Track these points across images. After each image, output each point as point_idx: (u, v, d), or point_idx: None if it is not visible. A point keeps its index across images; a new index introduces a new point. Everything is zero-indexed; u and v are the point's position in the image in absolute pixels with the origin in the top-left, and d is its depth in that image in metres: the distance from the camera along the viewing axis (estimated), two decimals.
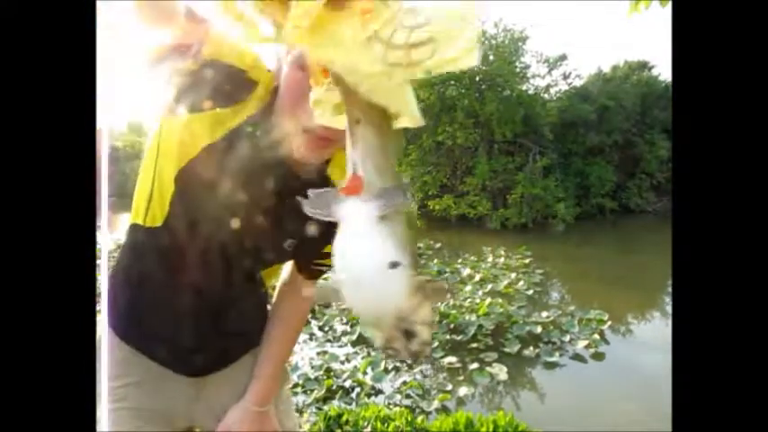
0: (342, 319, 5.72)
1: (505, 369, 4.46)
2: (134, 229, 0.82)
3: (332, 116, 0.49)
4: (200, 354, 0.85)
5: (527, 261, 8.09)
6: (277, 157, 0.73)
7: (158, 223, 0.79)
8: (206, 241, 0.78)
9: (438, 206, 11.65)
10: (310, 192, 0.46)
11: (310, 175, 0.77)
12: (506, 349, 4.87)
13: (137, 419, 0.83)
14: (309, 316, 5.93)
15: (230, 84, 0.69)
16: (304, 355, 4.80)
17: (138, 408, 0.84)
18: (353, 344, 5.17)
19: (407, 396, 4.07)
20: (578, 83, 13.43)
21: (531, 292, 6.68)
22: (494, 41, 12.39)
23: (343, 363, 4.66)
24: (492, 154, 11.98)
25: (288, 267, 0.92)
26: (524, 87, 12.59)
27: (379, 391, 4.22)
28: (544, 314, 5.65)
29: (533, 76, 13.11)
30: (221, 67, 0.67)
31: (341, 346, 5.16)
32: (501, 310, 5.54)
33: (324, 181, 0.79)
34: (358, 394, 4.14)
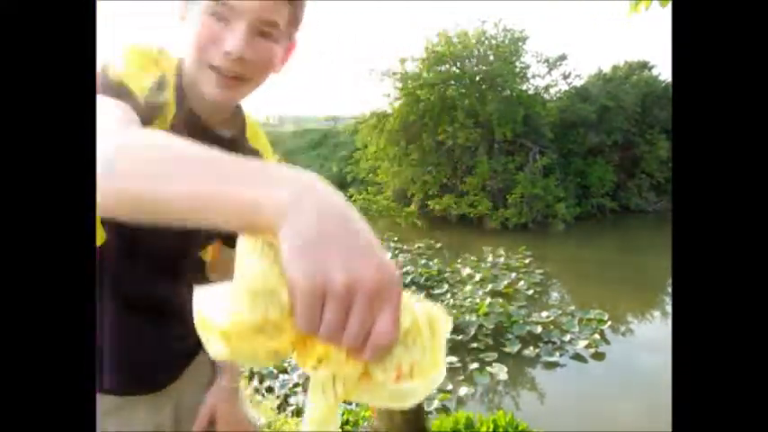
0: None
1: (506, 369, 4.46)
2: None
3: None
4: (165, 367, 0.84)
5: (527, 261, 8.09)
6: (191, 119, 0.74)
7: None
8: (147, 251, 0.76)
9: (438, 206, 11.66)
10: None
11: (226, 133, 0.79)
12: (506, 349, 4.87)
13: None
14: None
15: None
16: None
17: None
18: None
19: None
20: (578, 83, 13.46)
21: (531, 291, 6.68)
22: (494, 41, 12.40)
23: None
24: (492, 154, 11.98)
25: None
26: (524, 87, 12.60)
27: None
28: (544, 314, 5.65)
29: (533, 76, 13.14)
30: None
31: None
32: (501, 309, 5.54)
33: (243, 142, 0.82)
34: None
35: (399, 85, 12.46)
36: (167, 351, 0.83)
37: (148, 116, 0.68)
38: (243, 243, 0.41)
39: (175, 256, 0.80)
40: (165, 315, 0.80)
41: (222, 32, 0.69)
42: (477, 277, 7.05)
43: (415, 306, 0.42)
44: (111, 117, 0.60)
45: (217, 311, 0.39)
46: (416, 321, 0.41)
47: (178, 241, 0.74)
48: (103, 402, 0.75)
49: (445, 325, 0.45)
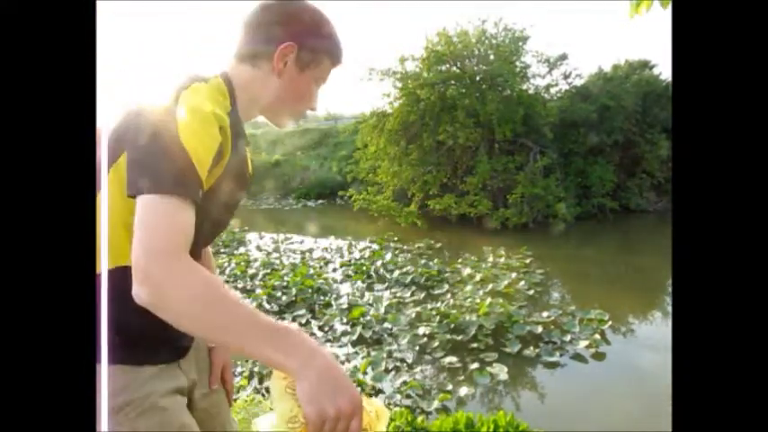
0: (342, 319, 5.72)
1: (506, 369, 4.46)
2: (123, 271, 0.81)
3: None
4: (186, 337, 1.00)
5: (527, 261, 8.09)
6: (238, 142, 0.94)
7: None
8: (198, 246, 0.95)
9: (438, 206, 11.65)
10: None
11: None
12: (507, 349, 4.87)
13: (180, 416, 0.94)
14: (309, 316, 5.94)
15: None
16: None
17: (173, 408, 0.93)
18: (354, 344, 5.17)
19: (408, 396, 4.07)
20: (579, 82, 13.42)
21: (531, 291, 6.67)
22: (494, 41, 12.39)
23: (343, 363, 4.67)
24: (492, 153, 11.97)
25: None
26: (525, 87, 12.57)
27: (379, 391, 4.22)
28: (545, 314, 5.65)
29: (534, 76, 13.10)
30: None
31: (341, 346, 5.16)
32: (501, 309, 5.54)
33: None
34: None
35: (399, 84, 12.44)
36: None
37: (205, 176, 0.81)
38: (274, 387, 0.75)
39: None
40: None
41: (314, 92, 1.03)
42: (478, 277, 7.05)
43: (366, 406, 0.77)
44: (170, 230, 0.73)
45: (268, 427, 0.76)
46: (370, 418, 0.77)
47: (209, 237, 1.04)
48: (148, 371, 0.91)
49: (387, 415, 0.81)
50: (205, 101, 0.83)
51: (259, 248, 9.64)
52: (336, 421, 0.68)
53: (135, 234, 0.71)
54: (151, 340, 0.90)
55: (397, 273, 7.42)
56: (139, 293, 0.70)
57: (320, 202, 16.21)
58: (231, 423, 1.18)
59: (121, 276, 0.79)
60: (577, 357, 4.85)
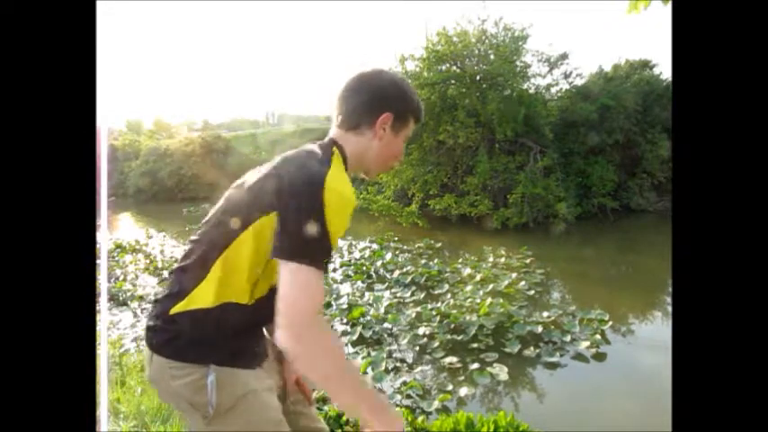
0: (342, 319, 5.72)
1: (506, 369, 4.45)
2: (235, 307, 1.09)
3: None
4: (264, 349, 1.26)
5: (528, 261, 8.08)
6: None
7: (259, 296, 1.11)
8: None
9: (439, 205, 11.65)
10: None
11: None
12: (507, 349, 4.86)
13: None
14: None
15: None
16: None
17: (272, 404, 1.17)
18: (353, 344, 5.17)
19: (408, 396, 4.07)
20: (579, 82, 13.42)
21: (531, 291, 6.67)
22: (494, 41, 12.38)
23: None
24: (493, 153, 11.96)
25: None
26: (525, 86, 12.57)
27: (379, 392, 4.22)
28: (545, 314, 5.64)
29: (534, 76, 13.09)
30: None
31: None
32: (502, 309, 5.53)
33: None
34: None
35: None
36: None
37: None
38: None
39: None
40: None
41: (403, 148, 1.24)
42: (478, 277, 7.04)
43: None
44: (314, 295, 0.97)
45: None
46: None
47: None
48: (247, 374, 1.14)
49: None
50: (345, 183, 1.05)
51: None
52: None
53: (284, 292, 0.95)
54: (248, 353, 1.18)
55: (397, 273, 7.42)
56: (283, 338, 0.95)
57: None
58: (317, 420, 1.39)
59: (233, 309, 1.08)
60: (578, 357, 4.84)
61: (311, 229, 0.95)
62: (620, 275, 8.19)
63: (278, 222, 0.99)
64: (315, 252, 0.96)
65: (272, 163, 1.13)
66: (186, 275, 1.11)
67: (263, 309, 1.08)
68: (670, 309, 6.20)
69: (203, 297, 1.07)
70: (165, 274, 8.01)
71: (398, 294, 6.64)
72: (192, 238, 1.16)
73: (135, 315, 6.28)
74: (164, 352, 1.09)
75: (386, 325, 5.54)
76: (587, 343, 4.97)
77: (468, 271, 7.36)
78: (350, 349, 5.10)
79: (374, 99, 1.16)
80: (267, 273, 1.08)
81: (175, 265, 1.16)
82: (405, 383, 4.23)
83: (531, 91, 12.68)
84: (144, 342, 1.15)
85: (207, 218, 1.17)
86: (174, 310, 1.09)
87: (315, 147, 1.16)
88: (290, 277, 0.95)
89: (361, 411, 1.00)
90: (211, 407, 1.06)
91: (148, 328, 1.13)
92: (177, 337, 1.09)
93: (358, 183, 13.90)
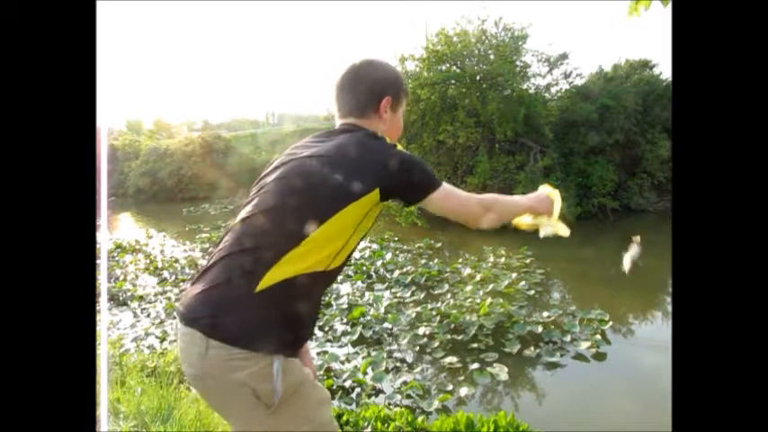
0: (342, 319, 5.72)
1: (506, 369, 4.45)
2: (314, 275, 1.16)
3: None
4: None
5: (528, 261, 8.08)
6: None
7: (336, 265, 1.21)
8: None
9: None
10: None
11: None
12: (507, 349, 4.86)
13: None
14: None
15: None
16: None
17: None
18: (354, 344, 5.17)
19: (408, 396, 4.07)
20: (579, 82, 13.42)
21: (531, 291, 6.67)
22: (494, 40, 12.39)
23: (343, 363, 4.66)
24: (493, 153, 11.97)
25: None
26: (525, 86, 12.57)
27: (379, 392, 4.22)
28: (545, 314, 5.64)
29: (534, 76, 13.10)
30: None
31: (341, 346, 5.16)
32: (502, 309, 5.53)
33: None
34: (358, 394, 4.14)
35: None
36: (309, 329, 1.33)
37: None
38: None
39: None
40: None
41: (402, 121, 1.47)
42: (478, 277, 7.04)
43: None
44: (467, 195, 1.35)
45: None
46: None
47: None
48: (297, 362, 1.19)
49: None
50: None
51: None
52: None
53: (453, 206, 1.31)
54: (299, 341, 1.26)
55: (397, 273, 7.42)
56: (484, 223, 1.33)
57: None
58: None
59: (315, 276, 1.16)
60: (578, 357, 4.84)
61: (420, 167, 1.22)
62: (621, 275, 8.18)
63: (396, 186, 1.20)
64: (435, 175, 1.26)
65: (335, 142, 1.25)
66: (263, 253, 1.12)
67: (331, 278, 1.24)
68: (670, 309, 6.20)
69: (292, 266, 1.12)
70: (165, 273, 8.01)
71: (398, 294, 6.64)
72: (244, 217, 1.20)
73: (135, 315, 6.28)
74: (231, 340, 1.07)
75: (386, 325, 5.54)
76: (587, 343, 4.97)
77: (468, 271, 7.36)
78: (350, 349, 5.10)
79: (374, 87, 1.32)
80: (351, 242, 1.23)
81: (225, 252, 1.16)
82: (405, 383, 4.23)
83: (531, 91, 12.68)
84: (184, 337, 1.11)
85: (262, 199, 1.22)
86: (260, 286, 1.09)
87: (354, 130, 1.30)
88: (446, 196, 1.26)
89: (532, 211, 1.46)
90: (277, 395, 1.09)
91: (206, 317, 1.09)
92: (249, 322, 1.09)
93: None
